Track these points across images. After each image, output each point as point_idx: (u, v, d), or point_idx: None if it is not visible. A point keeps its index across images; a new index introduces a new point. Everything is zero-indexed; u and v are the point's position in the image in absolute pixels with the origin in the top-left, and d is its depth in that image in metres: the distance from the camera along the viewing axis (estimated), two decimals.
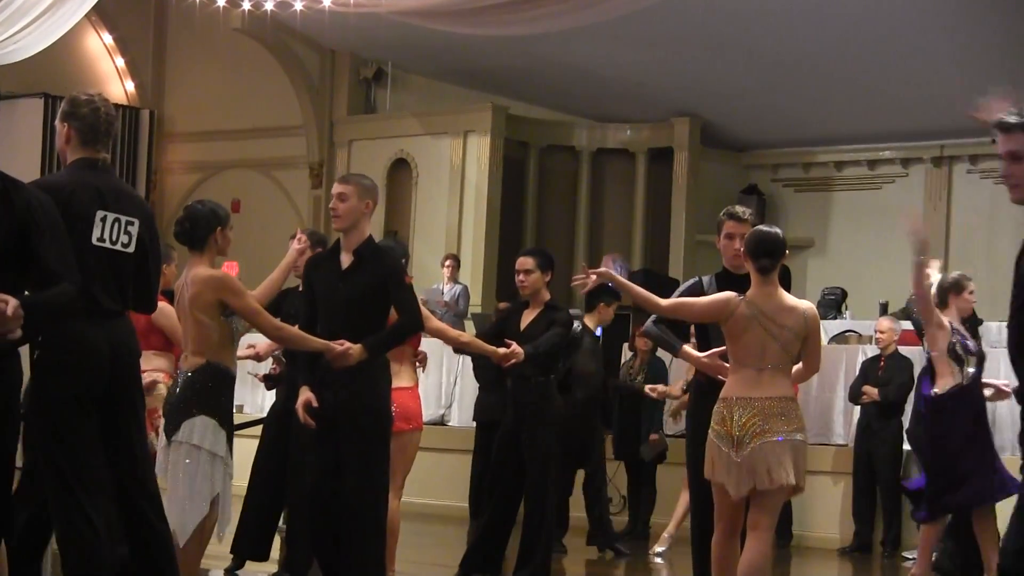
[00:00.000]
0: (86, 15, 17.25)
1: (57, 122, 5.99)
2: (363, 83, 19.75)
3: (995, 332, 12.99)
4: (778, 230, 6.91)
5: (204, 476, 6.75)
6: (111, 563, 5.83)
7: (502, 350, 8.41)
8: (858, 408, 12.88)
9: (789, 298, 6.82)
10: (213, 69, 20.36)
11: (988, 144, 17.38)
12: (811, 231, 18.33)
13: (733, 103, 18.22)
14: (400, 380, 7.76)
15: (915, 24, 15.51)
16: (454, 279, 16.52)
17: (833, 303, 15.97)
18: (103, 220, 5.80)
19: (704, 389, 7.23)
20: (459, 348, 9.01)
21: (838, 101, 17.42)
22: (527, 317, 8.90)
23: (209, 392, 6.78)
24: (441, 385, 14.88)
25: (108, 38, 20.85)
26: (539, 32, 15.88)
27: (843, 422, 13.29)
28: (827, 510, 12.88)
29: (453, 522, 13.19)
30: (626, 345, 13.89)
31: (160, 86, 21.08)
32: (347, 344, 6.96)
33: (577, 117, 19.64)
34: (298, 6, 16.18)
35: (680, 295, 7.34)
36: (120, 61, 20.96)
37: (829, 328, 14.22)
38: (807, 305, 6.88)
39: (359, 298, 7.14)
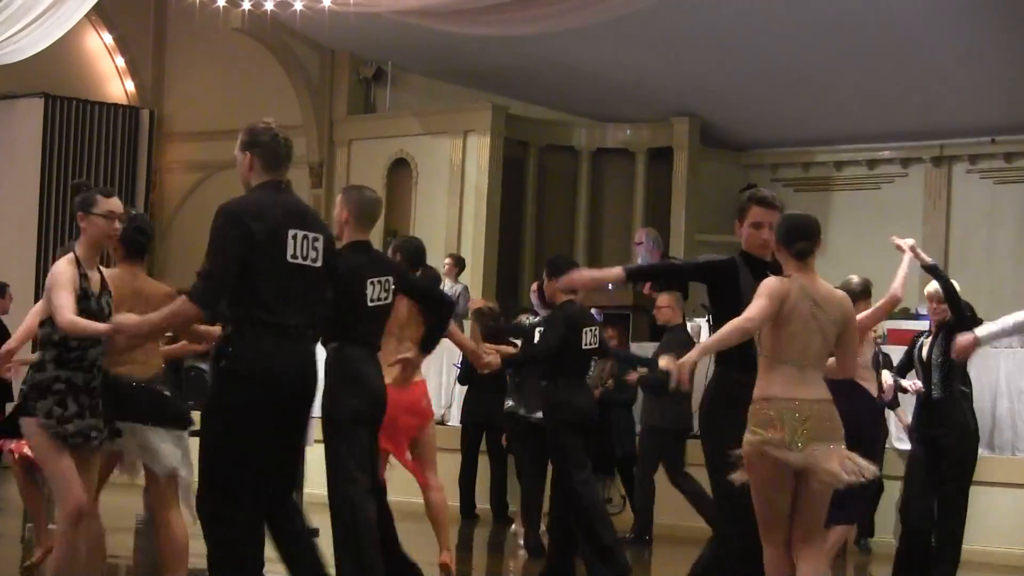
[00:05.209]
0: (86, 15, 17.27)
1: (237, 152, 6.31)
2: (363, 83, 19.75)
3: None
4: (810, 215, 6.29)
5: None
6: None
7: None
8: None
9: (828, 286, 6.10)
10: (213, 69, 20.37)
11: (988, 144, 17.42)
12: None
13: (733, 103, 18.21)
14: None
15: (914, 24, 15.51)
16: (451, 276, 16.49)
17: None
18: (294, 238, 6.04)
19: (732, 389, 6.40)
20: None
21: (837, 101, 17.42)
22: None
23: None
24: (441, 385, 14.88)
25: (108, 38, 20.87)
26: (539, 32, 15.88)
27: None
28: None
29: (452, 521, 13.14)
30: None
31: (160, 86, 21.09)
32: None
33: (577, 117, 19.63)
34: (298, 6, 16.19)
35: (708, 263, 6.69)
36: (120, 61, 20.98)
37: None
38: (843, 294, 6.14)
39: None
